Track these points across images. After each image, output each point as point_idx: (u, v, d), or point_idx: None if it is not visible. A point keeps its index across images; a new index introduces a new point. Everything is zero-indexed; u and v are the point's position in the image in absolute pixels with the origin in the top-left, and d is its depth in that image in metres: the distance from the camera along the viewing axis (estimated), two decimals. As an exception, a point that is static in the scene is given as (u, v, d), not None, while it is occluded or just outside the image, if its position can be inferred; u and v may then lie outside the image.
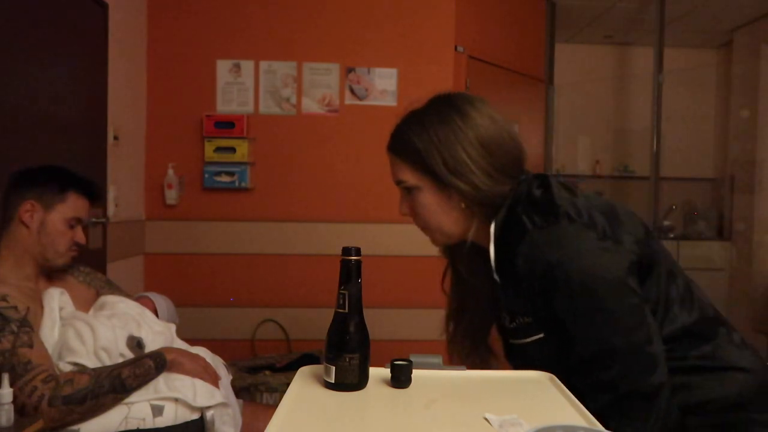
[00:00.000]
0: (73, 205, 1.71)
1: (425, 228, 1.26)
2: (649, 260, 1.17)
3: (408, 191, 1.23)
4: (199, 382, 1.67)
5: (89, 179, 1.79)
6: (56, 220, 1.69)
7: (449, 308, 1.35)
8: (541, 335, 1.17)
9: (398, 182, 1.24)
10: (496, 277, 1.19)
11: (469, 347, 1.36)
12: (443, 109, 1.20)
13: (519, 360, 1.25)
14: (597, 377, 1.12)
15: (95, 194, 1.79)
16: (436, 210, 1.21)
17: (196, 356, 1.75)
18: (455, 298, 1.35)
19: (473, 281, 1.27)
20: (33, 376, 1.47)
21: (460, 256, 1.26)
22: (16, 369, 1.46)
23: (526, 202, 1.16)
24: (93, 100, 2.71)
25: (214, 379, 1.73)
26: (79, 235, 1.74)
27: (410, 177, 1.21)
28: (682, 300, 1.20)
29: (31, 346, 1.51)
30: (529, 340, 1.19)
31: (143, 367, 1.59)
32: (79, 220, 1.73)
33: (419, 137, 1.18)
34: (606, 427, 0.86)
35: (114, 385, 1.54)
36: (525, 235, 1.14)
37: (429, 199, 1.20)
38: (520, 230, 1.14)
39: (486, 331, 1.36)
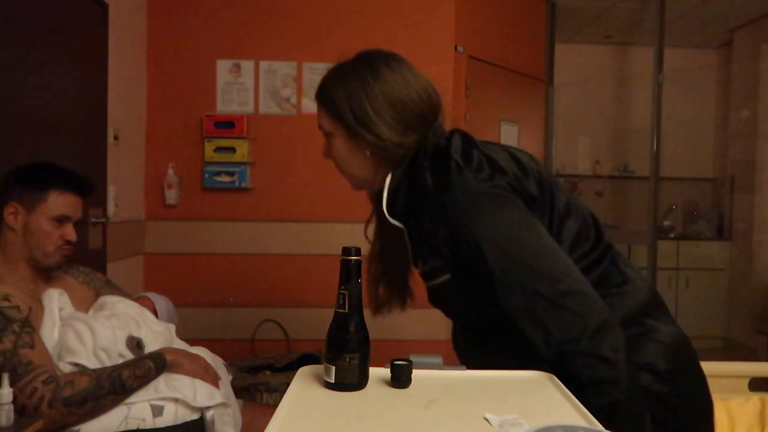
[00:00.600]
0: (55, 202, 1.66)
1: (341, 172, 1.39)
2: (542, 203, 1.23)
3: (327, 137, 1.35)
4: (199, 383, 1.67)
5: (75, 173, 1.72)
6: (40, 221, 1.64)
7: (372, 250, 1.42)
8: (448, 276, 1.23)
9: (319, 127, 1.35)
10: (395, 222, 1.28)
11: (389, 289, 1.42)
12: (360, 65, 1.30)
13: (438, 302, 1.32)
14: (537, 322, 1.13)
15: (84, 187, 1.72)
16: (347, 156, 1.32)
17: (196, 356, 1.75)
18: (378, 241, 1.44)
19: (387, 227, 1.34)
20: (33, 377, 1.47)
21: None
22: (17, 369, 1.45)
23: (427, 154, 1.25)
24: (93, 100, 2.71)
25: (214, 379, 1.73)
26: (68, 232, 1.68)
27: (326, 123, 1.32)
28: (573, 242, 1.24)
29: (32, 347, 1.51)
30: (439, 281, 1.25)
31: (143, 368, 1.59)
32: (66, 217, 1.68)
33: (335, 88, 1.29)
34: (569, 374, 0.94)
35: (114, 386, 1.54)
36: (427, 195, 1.21)
37: (341, 145, 1.32)
38: (423, 186, 1.22)
39: (405, 273, 1.42)
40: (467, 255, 1.17)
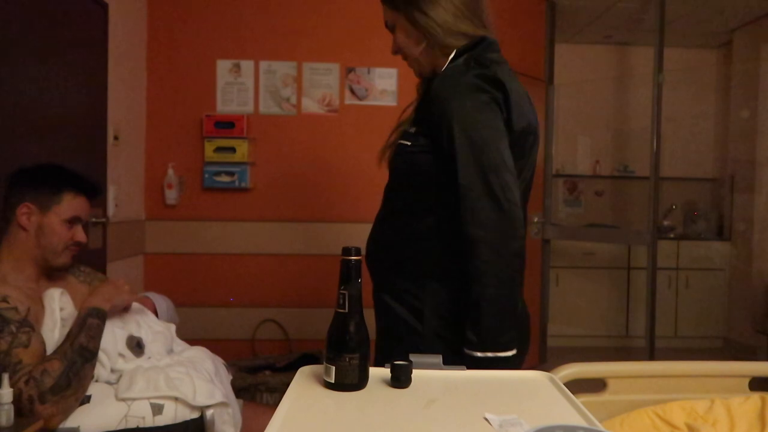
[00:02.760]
0: (69, 205, 1.70)
1: (405, 59, 1.51)
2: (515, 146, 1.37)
3: (391, 31, 1.49)
4: (198, 381, 1.67)
5: (85, 176, 1.77)
6: (53, 222, 1.68)
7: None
8: (425, 142, 1.39)
9: (385, 24, 1.50)
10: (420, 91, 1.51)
11: None
12: None
13: (400, 162, 1.46)
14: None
15: (93, 191, 1.77)
16: (409, 43, 1.46)
17: (112, 282, 1.76)
18: None
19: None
20: (18, 378, 1.47)
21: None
22: (7, 370, 1.46)
23: (468, 50, 1.40)
24: (93, 100, 2.71)
25: (130, 293, 1.75)
26: (79, 234, 1.73)
27: (388, 16, 1.48)
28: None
29: (26, 346, 1.51)
30: (417, 144, 1.40)
31: (93, 328, 1.60)
32: (77, 219, 1.72)
33: None
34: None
35: (84, 355, 1.55)
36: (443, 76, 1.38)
37: (402, 35, 1.47)
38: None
39: None
40: (444, 130, 1.33)
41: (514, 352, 1.30)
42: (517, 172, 1.35)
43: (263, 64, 3.38)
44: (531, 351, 2.03)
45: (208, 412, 1.66)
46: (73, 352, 1.54)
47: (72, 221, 1.71)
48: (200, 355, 1.85)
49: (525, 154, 1.41)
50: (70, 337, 1.57)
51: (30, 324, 1.55)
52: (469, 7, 1.42)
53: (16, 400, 1.44)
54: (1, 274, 1.64)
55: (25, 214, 1.66)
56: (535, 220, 4.27)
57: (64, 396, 1.49)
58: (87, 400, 1.57)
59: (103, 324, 1.63)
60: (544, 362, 4.40)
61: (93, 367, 1.58)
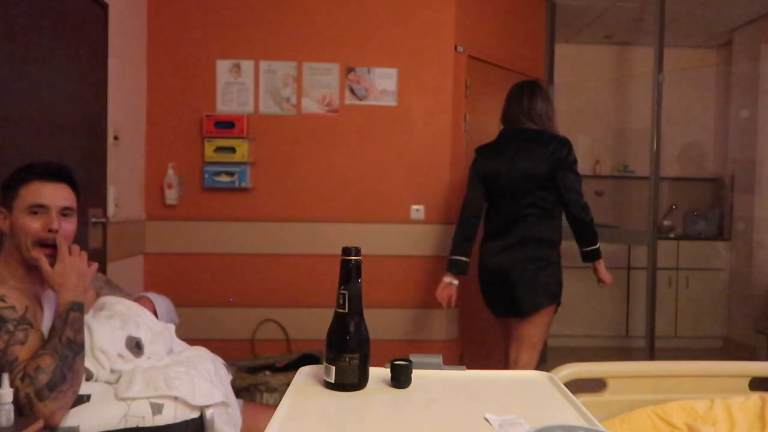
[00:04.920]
0: (25, 193, 1.63)
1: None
2: None
3: None
4: (198, 381, 1.67)
5: (41, 161, 1.68)
6: (18, 217, 1.63)
7: None
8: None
9: None
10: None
11: None
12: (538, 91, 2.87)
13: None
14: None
15: (51, 172, 1.67)
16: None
17: (69, 265, 1.64)
18: None
19: None
20: (14, 375, 1.47)
21: None
22: (9, 369, 1.46)
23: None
24: (93, 100, 2.71)
25: (90, 268, 1.68)
26: (47, 221, 1.63)
27: None
28: None
29: (23, 343, 1.51)
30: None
31: (76, 322, 1.58)
32: (40, 206, 1.63)
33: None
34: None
35: (73, 349, 1.54)
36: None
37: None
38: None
39: None
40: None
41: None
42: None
43: (263, 64, 3.38)
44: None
45: (208, 412, 1.66)
46: (62, 346, 1.53)
47: (35, 210, 1.63)
48: (200, 355, 1.85)
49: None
50: (56, 333, 1.55)
51: (28, 321, 1.55)
52: None
53: (16, 400, 1.44)
54: (0, 276, 1.64)
55: (2, 219, 1.66)
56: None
57: (62, 391, 1.49)
58: (86, 399, 1.57)
59: (83, 315, 1.61)
60: (544, 362, 4.40)
61: (83, 360, 1.57)
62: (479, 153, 2.87)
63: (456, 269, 2.75)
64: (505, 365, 2.78)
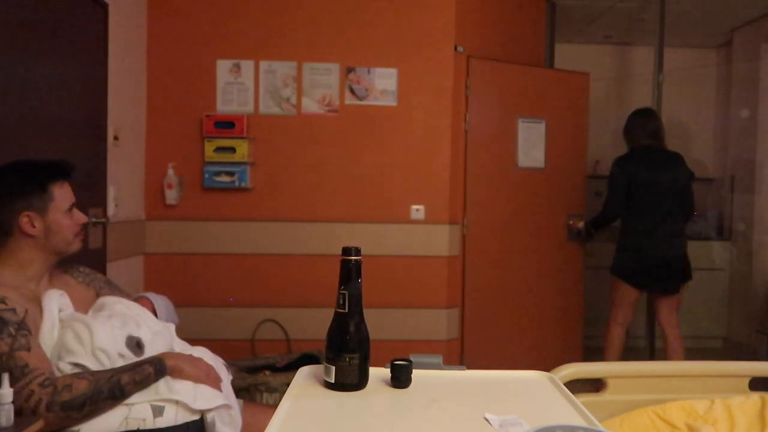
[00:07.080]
0: (60, 196, 1.72)
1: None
2: None
3: None
4: (200, 387, 1.67)
5: (57, 161, 1.77)
6: (58, 218, 1.70)
7: None
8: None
9: None
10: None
11: None
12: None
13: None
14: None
15: (68, 171, 1.78)
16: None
17: (198, 360, 1.73)
18: None
19: None
20: (30, 380, 1.46)
21: None
22: (13, 373, 1.45)
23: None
24: (93, 100, 2.71)
25: (215, 383, 1.72)
26: (79, 217, 1.77)
27: None
28: None
29: (28, 350, 1.51)
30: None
31: (143, 373, 1.59)
32: (72, 204, 1.76)
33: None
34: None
35: (113, 391, 1.54)
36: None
37: None
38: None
39: None
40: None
41: None
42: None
43: (263, 64, 3.38)
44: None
45: (209, 415, 1.65)
46: (107, 382, 1.54)
47: (70, 209, 1.74)
48: (201, 355, 1.85)
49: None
50: (116, 369, 1.58)
51: (27, 327, 1.55)
52: None
53: (21, 399, 1.44)
54: (0, 277, 1.64)
55: (28, 223, 1.66)
56: (535, 220, 4.27)
57: (70, 416, 1.49)
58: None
59: (157, 378, 1.61)
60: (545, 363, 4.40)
61: (113, 406, 1.56)
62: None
63: (594, 228, 3.85)
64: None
